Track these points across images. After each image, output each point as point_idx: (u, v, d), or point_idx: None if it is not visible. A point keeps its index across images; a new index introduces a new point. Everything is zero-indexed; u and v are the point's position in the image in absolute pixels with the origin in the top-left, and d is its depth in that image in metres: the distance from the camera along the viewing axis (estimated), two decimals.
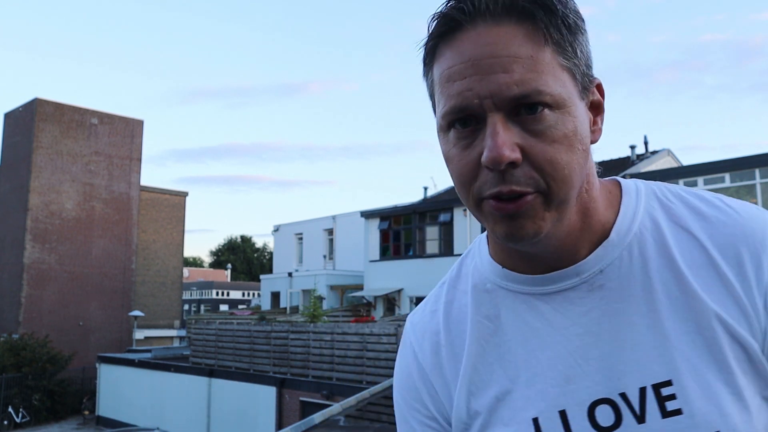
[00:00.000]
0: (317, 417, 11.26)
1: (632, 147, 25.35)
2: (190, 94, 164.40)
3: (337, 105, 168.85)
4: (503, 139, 0.82)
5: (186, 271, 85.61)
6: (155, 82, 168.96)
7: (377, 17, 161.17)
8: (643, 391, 0.86)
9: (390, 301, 27.44)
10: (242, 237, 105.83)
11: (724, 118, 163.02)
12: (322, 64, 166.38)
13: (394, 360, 17.23)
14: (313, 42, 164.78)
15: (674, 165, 25.09)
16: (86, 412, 30.54)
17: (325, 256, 39.23)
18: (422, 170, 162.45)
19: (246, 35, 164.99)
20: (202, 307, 75.45)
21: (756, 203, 17.17)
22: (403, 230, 27.28)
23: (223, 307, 70.32)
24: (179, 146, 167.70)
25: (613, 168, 24.80)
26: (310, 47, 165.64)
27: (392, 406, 12.65)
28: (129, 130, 42.66)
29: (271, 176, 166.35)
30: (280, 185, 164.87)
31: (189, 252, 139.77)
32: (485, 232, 1.04)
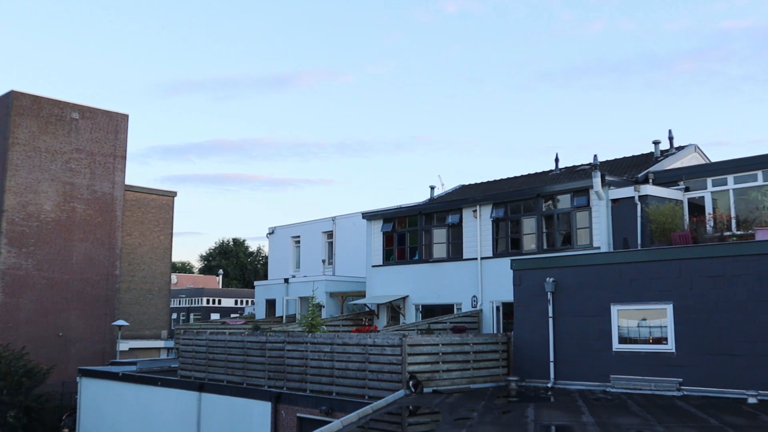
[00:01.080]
0: None
1: (656, 143, 25.31)
2: (174, 86, 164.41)
3: (331, 98, 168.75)
4: None
5: (174, 277, 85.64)
6: (137, 73, 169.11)
7: (373, 4, 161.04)
8: None
9: (394, 310, 27.45)
10: (234, 240, 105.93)
11: (750, 111, 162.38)
12: (315, 53, 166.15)
13: (399, 373, 17.24)
14: (305, 30, 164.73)
15: (702, 162, 25.06)
16: (66, 430, 30.57)
17: (324, 261, 39.27)
18: (428, 168, 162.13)
19: (233, 23, 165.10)
20: (192, 316, 75.48)
21: None
22: (408, 233, 27.27)
23: (215, 316, 70.34)
24: (162, 142, 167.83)
25: (635, 165, 24.78)
26: (301, 36, 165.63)
27: (398, 423, 12.57)
28: (113, 125, 42.75)
29: (263, 175, 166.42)
30: (272, 184, 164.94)
31: (177, 257, 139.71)
32: None
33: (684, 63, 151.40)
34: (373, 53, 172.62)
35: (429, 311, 26.11)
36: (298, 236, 42.57)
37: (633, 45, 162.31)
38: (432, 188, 31.53)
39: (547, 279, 18.05)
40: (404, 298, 26.80)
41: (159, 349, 44.55)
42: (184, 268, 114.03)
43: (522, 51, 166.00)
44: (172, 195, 48.59)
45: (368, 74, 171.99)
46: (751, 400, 13.83)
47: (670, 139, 25.82)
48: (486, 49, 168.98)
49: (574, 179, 23.66)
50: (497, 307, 23.60)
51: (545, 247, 22.48)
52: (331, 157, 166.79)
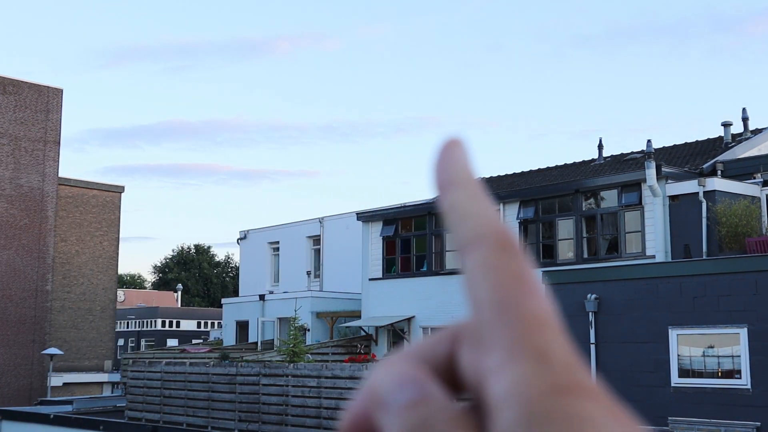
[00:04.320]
0: None
1: (726, 125, 25.29)
2: (116, 53, 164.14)
3: (313, 69, 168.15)
4: None
5: (121, 293, 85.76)
6: (69, 37, 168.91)
7: None
8: None
9: (397, 334, 27.45)
10: (197, 247, 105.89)
11: None
12: (292, 13, 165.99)
13: None
14: None
15: None
16: None
17: (309, 273, 39.26)
18: None
19: None
20: (143, 343, 75.49)
21: None
22: (414, 238, 27.26)
23: (172, 342, 70.34)
24: (102, 124, 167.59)
25: (699, 153, 24.77)
26: None
27: None
28: (43, 103, 42.73)
29: (230, 165, 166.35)
30: (243, 177, 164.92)
31: (125, 268, 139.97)
32: None
33: (758, 24, 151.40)
34: (365, 12, 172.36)
35: None
36: (277, 242, 42.54)
37: (693, 1, 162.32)
38: None
39: (588, 296, 18.04)
40: (409, 320, 26.79)
41: (101, 384, 44.51)
42: (133, 282, 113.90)
43: (554, 9, 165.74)
44: (119, 191, 48.57)
45: (360, 39, 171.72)
46: None
47: (744, 120, 25.81)
48: (509, 6, 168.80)
49: (621, 171, 23.63)
50: None
51: (586, 255, 22.46)
52: (315, 143, 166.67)
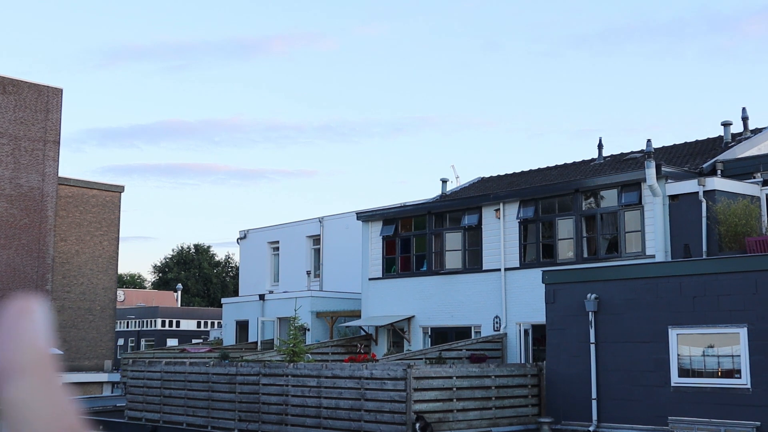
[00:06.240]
0: None
1: (725, 124, 25.29)
2: (114, 53, 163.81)
3: (311, 69, 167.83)
4: None
5: (121, 293, 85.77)
6: (67, 37, 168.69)
7: None
8: None
9: (397, 334, 27.45)
10: (196, 247, 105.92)
11: None
12: (288, 13, 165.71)
13: (403, 413, 17.25)
14: None
15: None
16: None
17: (309, 273, 39.26)
18: (435, 157, 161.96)
19: None
20: (143, 342, 75.52)
21: None
22: (414, 237, 27.26)
23: (172, 342, 70.38)
24: (100, 124, 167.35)
25: (698, 153, 24.77)
26: None
27: None
28: (42, 103, 42.72)
29: (229, 165, 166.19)
30: (241, 177, 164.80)
31: (125, 267, 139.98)
32: None
33: (754, 23, 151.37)
34: (362, 12, 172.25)
35: (440, 336, 26.08)
36: (277, 242, 42.55)
37: (688, 1, 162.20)
38: (444, 182, 31.50)
39: (588, 295, 18.04)
40: (409, 320, 26.79)
41: (101, 383, 44.53)
42: (133, 282, 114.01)
43: (549, 8, 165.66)
44: (119, 190, 48.57)
45: (357, 38, 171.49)
46: None
47: (744, 119, 25.80)
48: (505, 5, 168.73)
49: (621, 170, 23.64)
50: (525, 331, 23.58)
51: (586, 255, 22.46)
52: (313, 142, 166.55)
